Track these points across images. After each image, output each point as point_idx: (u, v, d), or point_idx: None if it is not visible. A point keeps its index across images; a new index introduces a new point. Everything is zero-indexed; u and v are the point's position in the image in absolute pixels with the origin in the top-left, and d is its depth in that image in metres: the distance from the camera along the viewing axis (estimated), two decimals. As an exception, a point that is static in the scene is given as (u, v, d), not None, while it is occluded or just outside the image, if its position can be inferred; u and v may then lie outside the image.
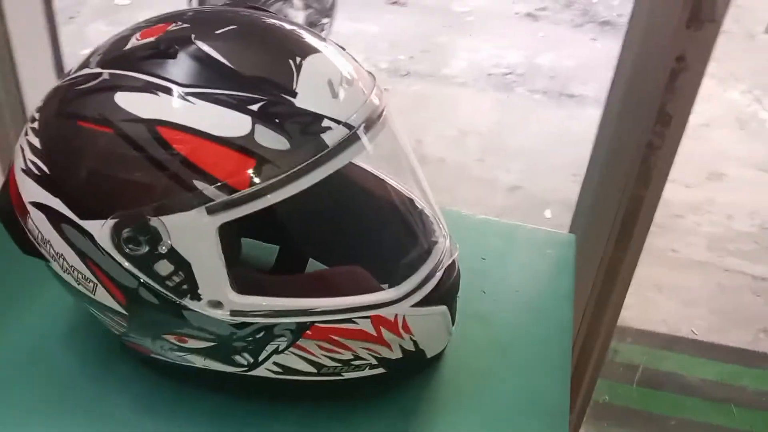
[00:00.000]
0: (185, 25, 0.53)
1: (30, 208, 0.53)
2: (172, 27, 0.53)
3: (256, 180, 0.49)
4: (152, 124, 0.49)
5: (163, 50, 0.50)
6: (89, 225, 0.50)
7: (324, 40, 0.57)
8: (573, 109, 2.97)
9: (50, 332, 0.66)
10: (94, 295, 0.54)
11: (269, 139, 0.49)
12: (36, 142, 0.53)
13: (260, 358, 0.56)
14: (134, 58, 0.51)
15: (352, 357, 0.57)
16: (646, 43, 0.99)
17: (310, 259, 0.68)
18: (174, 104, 0.49)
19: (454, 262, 0.62)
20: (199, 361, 0.57)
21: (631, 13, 1.00)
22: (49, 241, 0.53)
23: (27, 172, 0.53)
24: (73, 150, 0.51)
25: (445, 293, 0.60)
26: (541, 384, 0.66)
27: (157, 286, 0.51)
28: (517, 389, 0.65)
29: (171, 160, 0.48)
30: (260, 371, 0.57)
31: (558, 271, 0.79)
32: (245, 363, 0.56)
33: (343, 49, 0.60)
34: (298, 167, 0.49)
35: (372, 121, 0.54)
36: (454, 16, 3.81)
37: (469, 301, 0.63)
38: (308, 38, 0.56)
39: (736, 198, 2.54)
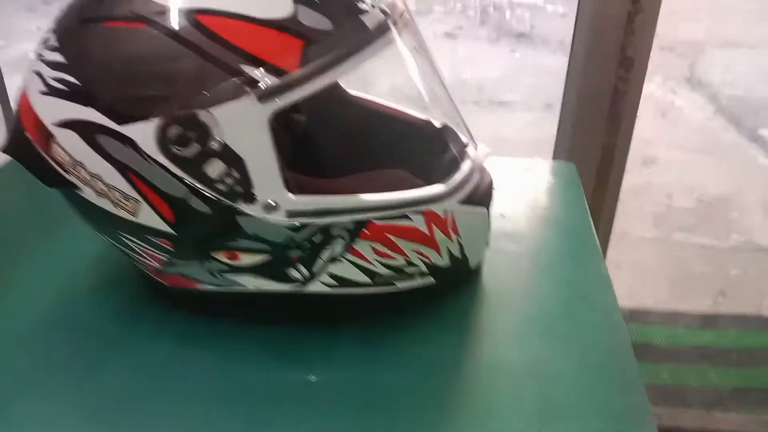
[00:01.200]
0: None
1: (56, 130, 0.50)
2: None
3: (306, 60, 0.47)
4: (190, 13, 0.47)
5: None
6: (131, 130, 0.47)
7: None
8: (505, 114, 3.07)
9: (75, 285, 0.61)
10: (137, 216, 0.50)
11: (313, 19, 0.48)
12: (57, 57, 0.49)
13: (315, 269, 0.53)
14: None
15: (404, 263, 0.55)
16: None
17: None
18: (206, -6, 0.47)
19: (485, 167, 0.62)
20: (250, 282, 0.54)
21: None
22: (81, 162, 0.50)
23: (51, 91, 0.49)
24: (105, 53, 0.48)
25: (483, 195, 0.60)
26: (582, 286, 0.65)
27: (208, 191, 0.48)
28: (558, 293, 0.64)
29: (215, 47, 0.46)
30: (315, 286, 0.54)
31: (569, 192, 0.80)
32: (300, 277, 0.53)
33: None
34: (345, 48, 0.48)
35: (399, 14, 0.54)
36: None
37: (492, 224, 0.63)
38: None
39: (671, 179, 2.67)
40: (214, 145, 0.47)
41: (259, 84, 0.46)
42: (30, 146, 0.52)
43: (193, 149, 0.47)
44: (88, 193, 0.51)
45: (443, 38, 3.87)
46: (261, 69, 0.46)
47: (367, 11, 0.50)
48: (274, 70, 0.46)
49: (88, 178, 0.50)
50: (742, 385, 1.74)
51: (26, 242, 0.68)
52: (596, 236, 0.70)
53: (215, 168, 0.48)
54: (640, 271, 2.18)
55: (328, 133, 0.63)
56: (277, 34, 0.47)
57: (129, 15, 0.47)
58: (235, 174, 0.48)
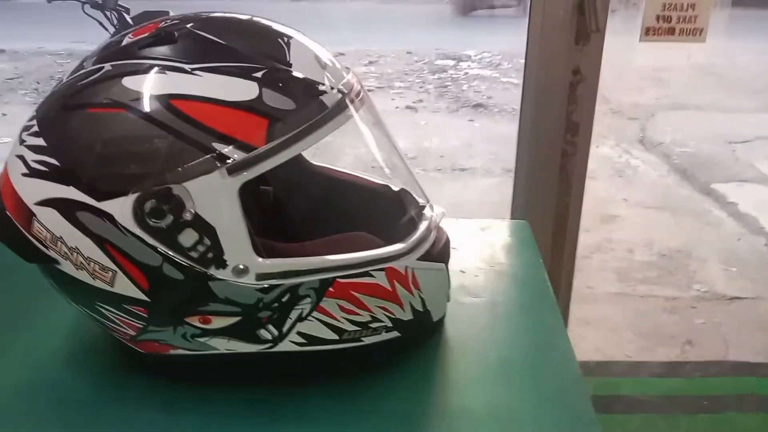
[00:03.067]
0: (175, 21, 0.58)
1: (36, 209, 0.53)
2: (162, 24, 0.57)
3: (271, 137, 0.52)
4: (165, 98, 0.52)
5: (163, 37, 0.54)
6: (109, 205, 0.51)
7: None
8: (467, 180, 3.17)
9: (53, 356, 0.63)
10: (113, 286, 0.53)
11: (277, 100, 0.53)
12: (39, 141, 0.53)
13: (285, 329, 0.57)
14: (135, 48, 0.55)
15: (370, 318, 0.59)
16: (545, 62, 1.13)
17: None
18: (183, 79, 0.52)
19: (441, 227, 0.67)
20: (222, 345, 0.57)
21: (527, 39, 1.14)
22: (61, 237, 0.53)
23: (32, 173, 0.53)
24: (85, 136, 0.52)
25: (441, 252, 0.65)
26: (538, 334, 0.69)
27: (182, 259, 0.52)
28: (517, 341, 0.68)
29: (188, 128, 0.51)
30: (285, 345, 0.57)
31: (523, 248, 0.85)
32: (270, 337, 0.57)
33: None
34: (306, 124, 0.54)
35: (356, 93, 0.59)
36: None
37: (452, 280, 0.68)
38: (283, 27, 0.61)
39: (631, 234, 2.77)
40: (187, 216, 0.51)
41: (229, 159, 0.51)
42: (11, 225, 0.55)
43: (168, 220, 0.51)
44: (66, 267, 0.54)
45: (405, 111, 4.02)
46: (230, 146, 0.51)
47: (325, 92, 0.56)
48: (242, 147, 0.51)
49: (68, 252, 0.53)
50: (713, 431, 1.77)
51: (2, 316, 0.70)
52: (550, 287, 0.75)
53: (188, 237, 0.52)
54: (607, 326, 2.23)
55: (294, 200, 0.67)
56: (245, 114, 0.52)
57: (108, 102, 0.52)
58: (207, 242, 0.52)
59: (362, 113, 0.61)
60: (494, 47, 5.28)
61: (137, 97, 0.52)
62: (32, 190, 0.54)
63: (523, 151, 1.19)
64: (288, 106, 0.53)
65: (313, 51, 0.59)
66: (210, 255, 0.52)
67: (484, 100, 4.20)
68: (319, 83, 0.56)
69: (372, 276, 0.58)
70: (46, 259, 0.55)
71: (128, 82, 0.52)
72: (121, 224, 0.51)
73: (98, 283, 0.54)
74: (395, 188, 0.70)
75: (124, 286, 0.54)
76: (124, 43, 0.56)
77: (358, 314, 0.58)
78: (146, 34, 0.56)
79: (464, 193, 2.97)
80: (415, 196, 0.69)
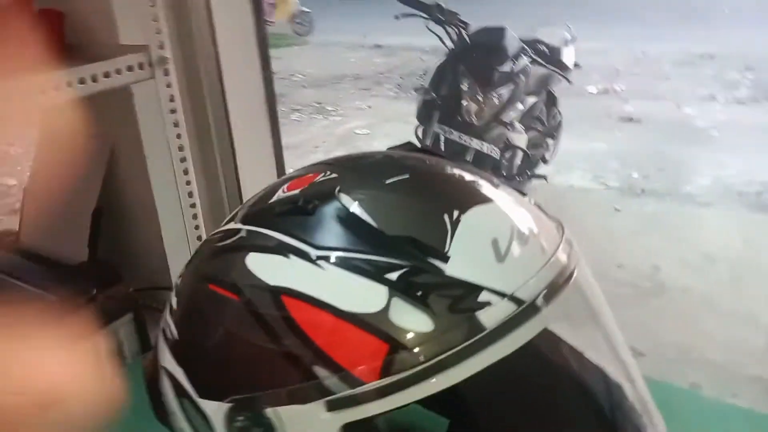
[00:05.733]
0: (333, 175, 0.47)
1: (161, 372, 0.48)
2: (319, 178, 0.47)
3: (388, 371, 0.38)
4: (278, 293, 0.41)
5: (301, 206, 0.44)
6: (206, 405, 0.43)
7: (498, 187, 0.47)
8: None
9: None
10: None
11: (408, 317, 0.38)
12: (174, 301, 0.48)
13: None
14: (273, 214, 0.45)
15: None
16: None
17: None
18: (303, 270, 0.41)
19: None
20: None
21: None
22: (174, 412, 0.47)
23: (163, 332, 0.48)
24: (201, 317, 0.45)
25: None
26: None
27: None
28: None
29: (293, 339, 0.40)
30: None
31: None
32: None
33: (524, 195, 0.49)
34: (444, 355, 0.38)
35: (555, 288, 0.41)
36: (696, 132, 3.49)
37: None
38: (477, 186, 0.46)
39: None
40: None
41: (330, 391, 0.39)
42: (155, 373, 0.51)
43: None
44: None
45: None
46: (334, 374, 0.39)
47: (489, 303, 0.39)
48: (348, 378, 0.38)
49: (178, 429, 0.48)
50: None
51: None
52: None
53: None
54: None
55: (462, 393, 0.51)
56: (360, 333, 0.39)
57: (227, 282, 0.44)
58: None
59: (569, 306, 0.42)
60: None
61: (254, 284, 0.42)
62: (161, 351, 0.49)
63: None
64: (422, 326, 0.38)
65: (493, 231, 0.42)
66: None
67: None
68: (482, 288, 0.39)
69: None
70: (168, 424, 0.50)
71: (251, 260, 0.43)
72: (214, 428, 0.43)
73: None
74: (620, 401, 0.49)
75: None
76: (273, 199, 0.47)
77: None
78: (293, 194, 0.46)
79: None
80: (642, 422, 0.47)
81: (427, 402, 0.57)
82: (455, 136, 2.30)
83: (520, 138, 2.47)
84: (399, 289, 0.39)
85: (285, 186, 0.48)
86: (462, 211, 0.42)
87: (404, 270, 0.39)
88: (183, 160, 1.09)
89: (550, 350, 0.51)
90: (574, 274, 0.44)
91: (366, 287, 0.39)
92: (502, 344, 0.39)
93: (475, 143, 2.31)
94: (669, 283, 2.18)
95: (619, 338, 0.48)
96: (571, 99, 3.69)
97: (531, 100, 2.59)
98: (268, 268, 0.42)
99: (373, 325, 0.39)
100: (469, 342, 0.38)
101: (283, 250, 0.42)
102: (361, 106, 4.46)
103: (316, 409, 0.39)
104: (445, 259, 0.40)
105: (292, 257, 0.42)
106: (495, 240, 0.41)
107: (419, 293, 0.39)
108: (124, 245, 1.09)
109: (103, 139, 1.18)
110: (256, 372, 0.41)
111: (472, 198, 0.44)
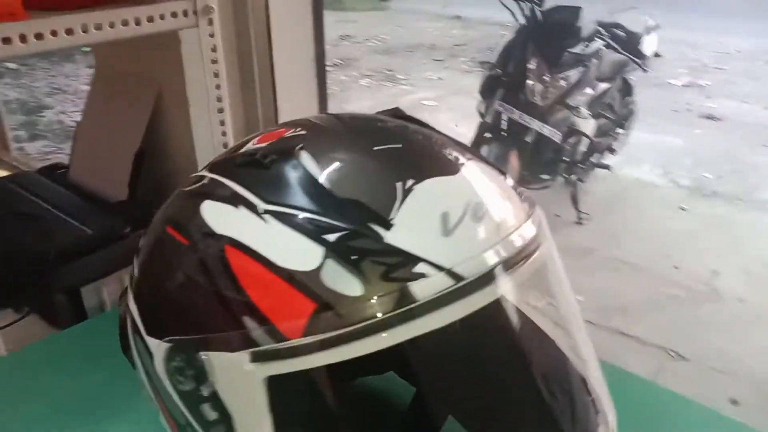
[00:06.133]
0: (302, 133, 0.46)
1: (126, 309, 0.50)
2: (288, 133, 0.47)
3: (312, 330, 0.38)
4: (222, 242, 0.41)
5: (258, 159, 0.44)
6: (150, 342, 0.45)
7: (471, 161, 0.45)
8: None
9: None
10: (159, 414, 0.48)
11: (339, 279, 0.38)
12: (141, 241, 0.50)
13: None
14: (234, 164, 0.46)
15: None
16: None
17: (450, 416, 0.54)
18: (249, 222, 0.41)
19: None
20: None
21: None
22: (131, 347, 0.49)
23: (131, 271, 0.50)
24: (155, 258, 0.47)
25: None
26: None
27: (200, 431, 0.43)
28: None
29: (230, 288, 0.40)
30: None
31: None
32: None
33: (502, 173, 0.47)
34: (368, 322, 0.38)
35: (505, 268, 0.40)
36: (781, 134, 3.28)
37: None
38: (445, 158, 0.44)
39: None
40: (206, 391, 0.41)
41: (256, 343, 0.39)
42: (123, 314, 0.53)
43: (190, 386, 0.42)
44: (139, 374, 0.50)
45: None
46: (261, 327, 0.39)
47: (424, 275, 0.38)
48: (273, 333, 0.39)
49: (134, 363, 0.49)
50: None
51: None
52: None
53: (208, 413, 0.42)
54: None
55: (428, 362, 0.50)
56: (290, 289, 0.39)
57: (181, 226, 0.45)
58: (223, 428, 0.41)
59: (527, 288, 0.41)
60: None
61: (203, 231, 0.43)
62: (128, 287, 0.50)
63: None
64: (351, 290, 0.38)
65: (447, 204, 0.40)
66: None
67: None
68: (419, 260, 0.38)
69: None
70: (129, 354, 0.52)
71: (205, 208, 0.44)
72: (156, 367, 0.44)
73: (154, 405, 0.49)
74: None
75: (164, 422, 0.47)
76: (242, 150, 0.47)
77: None
78: (258, 146, 0.46)
79: None
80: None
81: (398, 366, 0.58)
82: (516, 115, 2.24)
83: (587, 124, 2.38)
84: (335, 250, 0.39)
85: (256, 139, 0.48)
86: (417, 181, 0.41)
87: (344, 233, 0.39)
88: (221, 111, 1.10)
89: (504, 325, 0.49)
90: (533, 257, 0.42)
91: (303, 245, 0.39)
92: (432, 317, 0.38)
93: (536, 124, 2.24)
94: (725, 291, 2.08)
95: (577, 325, 0.46)
96: (651, 89, 3.53)
97: (603, 86, 2.49)
98: (218, 217, 0.43)
99: (304, 283, 0.38)
100: (397, 311, 0.38)
101: (235, 200, 0.43)
102: (432, 77, 4.41)
103: (242, 358, 0.39)
104: (387, 226, 0.39)
105: (242, 208, 0.42)
106: (445, 213, 0.40)
107: (354, 257, 0.38)
108: (163, 187, 1.12)
109: (151, 82, 1.21)
110: (194, 316, 0.42)
111: (434, 169, 0.43)
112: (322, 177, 0.42)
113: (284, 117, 1.27)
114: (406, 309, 0.38)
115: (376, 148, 0.44)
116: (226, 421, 0.41)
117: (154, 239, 0.48)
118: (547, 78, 2.26)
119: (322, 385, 0.43)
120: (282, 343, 0.38)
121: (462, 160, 0.45)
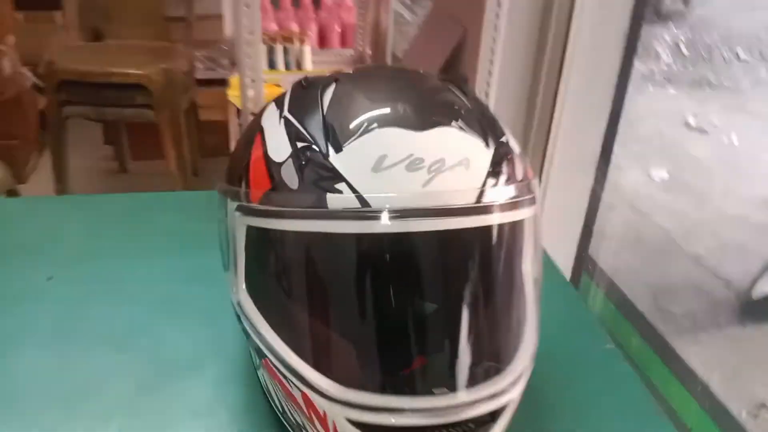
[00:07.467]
0: (353, 74, 0.60)
1: None
2: (345, 70, 0.61)
3: (263, 201, 0.54)
4: (258, 127, 0.59)
5: (302, 83, 0.60)
6: (219, 187, 0.64)
7: (463, 130, 0.53)
8: None
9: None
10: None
11: (289, 174, 0.53)
12: None
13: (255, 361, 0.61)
14: (300, 83, 0.61)
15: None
16: None
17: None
18: (274, 120, 0.58)
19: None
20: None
21: None
22: None
23: None
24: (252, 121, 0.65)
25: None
26: None
27: None
28: None
29: (247, 156, 0.58)
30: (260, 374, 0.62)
31: None
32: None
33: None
34: (292, 209, 0.52)
35: (419, 214, 0.49)
36: None
37: None
38: (429, 117, 0.53)
39: None
40: (223, 228, 0.61)
41: (239, 198, 0.57)
42: None
43: (222, 224, 0.62)
44: None
45: None
46: (243, 187, 0.56)
47: (340, 192, 0.50)
48: (246, 195, 0.56)
49: None
50: None
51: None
52: None
53: (224, 244, 0.62)
54: None
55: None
56: (264, 170, 0.55)
57: (259, 111, 0.63)
58: (229, 258, 0.61)
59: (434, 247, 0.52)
60: None
61: (256, 118, 0.62)
62: None
63: None
64: (292, 184, 0.52)
65: (393, 150, 0.50)
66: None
67: None
68: (342, 179, 0.50)
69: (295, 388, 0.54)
70: None
71: (270, 105, 0.61)
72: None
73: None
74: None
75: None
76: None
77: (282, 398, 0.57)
78: (313, 75, 0.61)
79: None
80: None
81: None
82: None
83: None
84: (295, 155, 0.53)
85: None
86: (380, 126, 0.52)
87: (307, 144, 0.53)
88: (490, 73, 1.28)
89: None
90: (455, 220, 0.50)
91: (284, 144, 0.54)
92: (333, 224, 0.50)
93: None
94: None
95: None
96: None
97: None
98: (269, 112, 0.60)
99: (272, 170, 0.54)
100: (312, 210, 0.51)
101: (279, 105, 0.59)
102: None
103: (233, 205, 0.58)
104: (338, 149, 0.51)
105: (277, 110, 0.59)
106: (384, 156, 0.50)
107: (302, 162, 0.52)
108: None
109: (458, 23, 1.43)
110: (230, 170, 0.61)
111: (403, 122, 0.52)
112: (325, 103, 0.55)
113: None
114: (317, 210, 0.50)
115: (380, 93, 0.56)
116: (231, 254, 0.60)
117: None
118: None
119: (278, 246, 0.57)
120: (249, 204, 0.55)
121: (445, 123, 0.53)
